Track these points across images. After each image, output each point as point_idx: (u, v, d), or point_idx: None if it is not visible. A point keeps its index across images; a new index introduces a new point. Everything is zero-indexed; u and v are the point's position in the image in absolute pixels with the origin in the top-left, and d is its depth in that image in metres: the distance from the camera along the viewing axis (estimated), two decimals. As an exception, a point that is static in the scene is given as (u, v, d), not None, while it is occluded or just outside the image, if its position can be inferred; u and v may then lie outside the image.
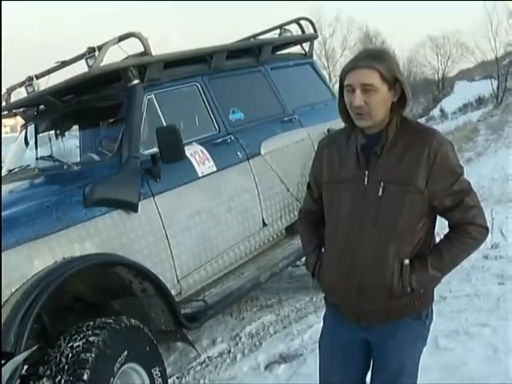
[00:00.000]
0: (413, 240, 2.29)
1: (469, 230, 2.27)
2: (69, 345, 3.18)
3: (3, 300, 3.06)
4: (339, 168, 2.41)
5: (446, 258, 2.30)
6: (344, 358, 2.53)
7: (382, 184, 2.25)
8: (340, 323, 2.52)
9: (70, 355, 3.12)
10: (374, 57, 2.25)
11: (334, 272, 2.42)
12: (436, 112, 41.05)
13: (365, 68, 2.22)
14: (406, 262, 2.27)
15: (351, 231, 2.34)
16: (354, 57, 2.34)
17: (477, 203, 2.29)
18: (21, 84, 4.78)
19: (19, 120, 5.57)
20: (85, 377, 3.04)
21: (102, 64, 4.17)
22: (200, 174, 4.43)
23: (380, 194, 2.26)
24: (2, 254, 3.08)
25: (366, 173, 2.30)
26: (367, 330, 2.44)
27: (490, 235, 6.62)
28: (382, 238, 2.28)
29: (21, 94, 4.81)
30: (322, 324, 2.72)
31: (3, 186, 4.14)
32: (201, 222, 4.40)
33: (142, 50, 4.41)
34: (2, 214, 3.30)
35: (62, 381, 3.04)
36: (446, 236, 2.36)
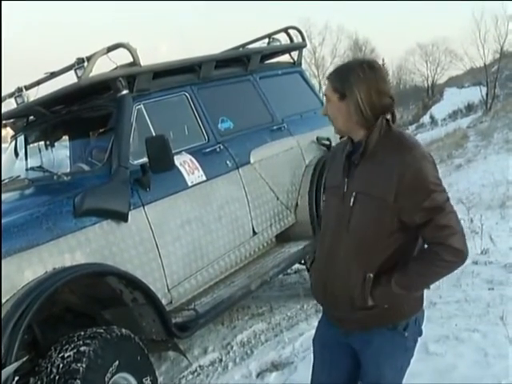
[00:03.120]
0: (382, 254, 2.27)
1: (439, 251, 2.18)
2: (60, 355, 3.18)
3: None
4: (333, 174, 2.46)
5: (411, 277, 2.25)
6: (331, 360, 2.57)
7: (353, 194, 2.28)
8: (330, 326, 2.56)
9: (61, 365, 3.12)
10: (335, 69, 2.37)
11: (317, 276, 2.50)
12: (426, 119, 41.28)
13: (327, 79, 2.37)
14: (370, 275, 2.26)
15: (332, 238, 2.38)
16: None
17: (450, 223, 2.18)
18: (10, 95, 4.78)
19: (9, 131, 5.57)
20: (76, 387, 3.04)
21: (91, 74, 4.19)
22: (189, 184, 4.44)
23: (351, 204, 2.28)
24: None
25: (346, 180, 2.33)
26: (348, 336, 2.47)
27: (479, 241, 6.65)
28: (351, 248, 2.30)
29: (10, 104, 4.82)
30: (313, 331, 2.75)
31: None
32: (191, 231, 4.41)
33: (131, 60, 4.43)
34: None
35: (53, 391, 3.04)
36: (418, 253, 2.31)
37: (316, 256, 2.56)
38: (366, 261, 2.28)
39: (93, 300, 3.93)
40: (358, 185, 2.28)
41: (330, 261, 2.39)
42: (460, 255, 2.19)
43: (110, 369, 3.28)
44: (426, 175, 2.17)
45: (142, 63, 4.44)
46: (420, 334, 2.49)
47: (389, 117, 2.31)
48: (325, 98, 2.36)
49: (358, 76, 2.24)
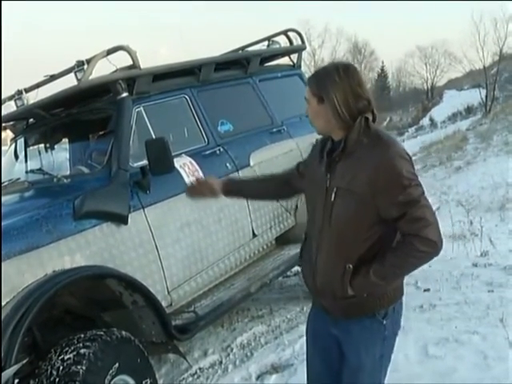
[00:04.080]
0: (361, 246, 2.39)
1: (413, 241, 2.28)
2: (60, 357, 3.18)
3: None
4: (316, 167, 2.55)
5: (387, 267, 2.34)
6: (323, 348, 2.70)
7: (334, 190, 2.38)
8: (319, 315, 2.69)
9: (61, 368, 3.12)
10: (313, 73, 2.52)
11: (307, 266, 2.63)
12: (425, 121, 41.24)
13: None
14: (349, 266, 2.38)
15: (318, 231, 2.49)
16: None
17: (424, 215, 2.27)
18: (10, 97, 4.78)
19: (9, 133, 5.57)
20: (76, 389, 3.04)
21: (90, 77, 4.19)
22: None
23: (332, 199, 2.40)
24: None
25: (328, 176, 2.43)
26: (334, 324, 2.59)
27: (479, 243, 6.66)
28: (333, 241, 2.43)
29: (10, 107, 4.82)
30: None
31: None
32: (191, 233, 4.42)
33: (131, 63, 4.43)
34: None
35: (53, 394, 3.04)
36: (395, 245, 2.41)
37: (304, 246, 2.68)
38: (346, 252, 2.40)
39: (93, 302, 3.93)
40: (338, 180, 2.39)
41: (316, 252, 2.51)
42: (434, 246, 2.28)
43: (110, 371, 3.28)
44: (401, 171, 2.26)
45: (142, 66, 4.45)
46: (399, 325, 2.60)
47: (369, 116, 2.40)
48: (307, 101, 2.51)
49: (335, 81, 2.37)
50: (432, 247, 2.28)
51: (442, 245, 2.31)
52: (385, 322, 2.49)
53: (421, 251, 2.28)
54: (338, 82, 2.35)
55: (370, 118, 2.40)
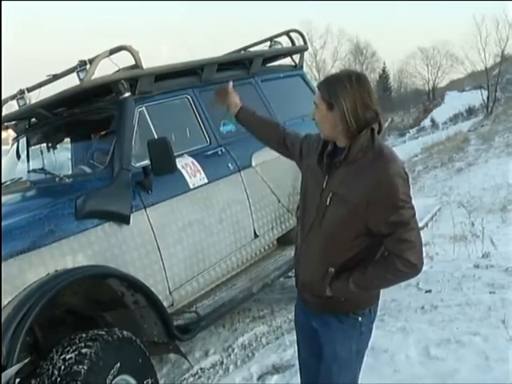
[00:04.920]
0: (347, 253, 2.48)
1: (394, 261, 2.36)
2: (61, 357, 3.18)
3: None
4: (314, 164, 2.59)
5: (367, 279, 2.44)
6: (309, 337, 2.81)
7: (330, 195, 2.45)
8: (302, 308, 2.82)
9: (63, 367, 3.12)
10: (325, 79, 2.54)
11: (297, 257, 2.73)
12: (427, 122, 41.28)
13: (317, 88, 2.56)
14: (331, 270, 2.48)
15: (310, 228, 2.58)
16: None
17: (411, 238, 2.34)
18: (12, 97, 4.78)
19: (11, 133, 5.57)
20: (77, 389, 3.03)
21: (93, 77, 4.18)
22: (191, 186, 4.45)
23: (327, 203, 2.47)
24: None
25: (326, 178, 2.49)
26: (314, 317, 2.71)
27: (480, 244, 6.67)
28: (320, 242, 2.52)
29: (12, 106, 4.82)
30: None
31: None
32: (192, 233, 4.41)
33: (133, 63, 4.43)
34: None
35: (55, 393, 3.04)
36: (378, 258, 2.49)
37: (298, 233, 2.74)
38: (330, 256, 2.50)
39: (94, 302, 3.93)
40: (335, 186, 2.45)
41: (300, 248, 2.65)
42: (413, 268, 2.37)
43: (112, 371, 3.28)
44: (397, 191, 2.32)
45: (144, 65, 4.44)
46: (372, 323, 2.70)
47: (375, 127, 2.43)
48: (313, 105, 2.53)
49: (346, 88, 2.39)
50: (411, 269, 2.37)
51: (423, 267, 2.40)
52: (360, 319, 2.59)
53: (399, 270, 2.37)
54: (349, 90, 2.38)
55: (377, 129, 2.43)
